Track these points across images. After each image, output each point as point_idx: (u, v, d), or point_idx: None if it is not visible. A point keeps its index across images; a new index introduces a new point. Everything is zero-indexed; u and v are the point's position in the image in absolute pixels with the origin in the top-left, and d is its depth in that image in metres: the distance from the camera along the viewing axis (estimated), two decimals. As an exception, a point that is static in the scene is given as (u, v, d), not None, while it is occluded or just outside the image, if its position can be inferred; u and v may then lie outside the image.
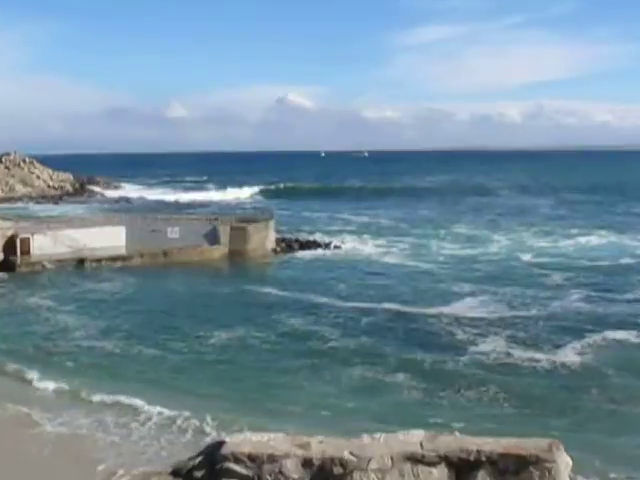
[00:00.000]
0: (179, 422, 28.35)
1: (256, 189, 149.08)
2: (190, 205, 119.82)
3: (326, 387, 33.03)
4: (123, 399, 31.06)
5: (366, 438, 8.37)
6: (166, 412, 29.53)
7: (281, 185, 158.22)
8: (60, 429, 27.99)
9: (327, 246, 76.82)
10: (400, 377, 33.92)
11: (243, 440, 8.34)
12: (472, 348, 38.43)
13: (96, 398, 31.45)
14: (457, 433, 8.48)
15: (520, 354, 37.15)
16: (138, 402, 30.64)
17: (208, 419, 28.19)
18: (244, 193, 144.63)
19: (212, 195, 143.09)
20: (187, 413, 29.13)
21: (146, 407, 30.11)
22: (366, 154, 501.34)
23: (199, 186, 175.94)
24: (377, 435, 8.40)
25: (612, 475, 21.74)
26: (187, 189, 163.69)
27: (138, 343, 40.82)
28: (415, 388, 32.52)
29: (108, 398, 31.29)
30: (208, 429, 27.47)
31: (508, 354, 37.28)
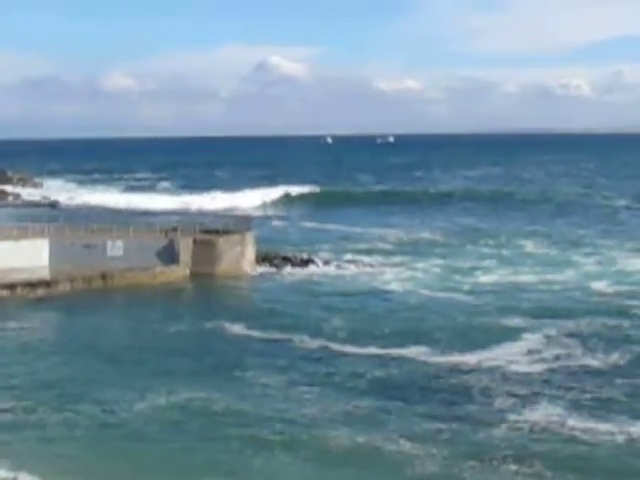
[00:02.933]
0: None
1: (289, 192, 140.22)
2: (149, 213, 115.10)
3: (306, 466, 32.51)
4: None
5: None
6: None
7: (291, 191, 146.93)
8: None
9: (326, 265, 77.03)
10: (407, 446, 33.58)
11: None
12: (512, 415, 37.58)
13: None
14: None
15: (579, 423, 36.24)
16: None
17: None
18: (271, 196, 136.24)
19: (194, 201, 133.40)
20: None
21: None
22: (391, 139, 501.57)
23: (151, 184, 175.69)
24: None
25: None
26: (134, 189, 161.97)
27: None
28: (426, 460, 32.10)
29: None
30: None
31: (562, 423, 36.32)
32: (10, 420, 38.57)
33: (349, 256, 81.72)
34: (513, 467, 31.22)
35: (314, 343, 50.95)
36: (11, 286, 66.04)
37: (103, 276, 68.76)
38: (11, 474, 31.28)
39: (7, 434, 36.42)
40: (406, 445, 33.59)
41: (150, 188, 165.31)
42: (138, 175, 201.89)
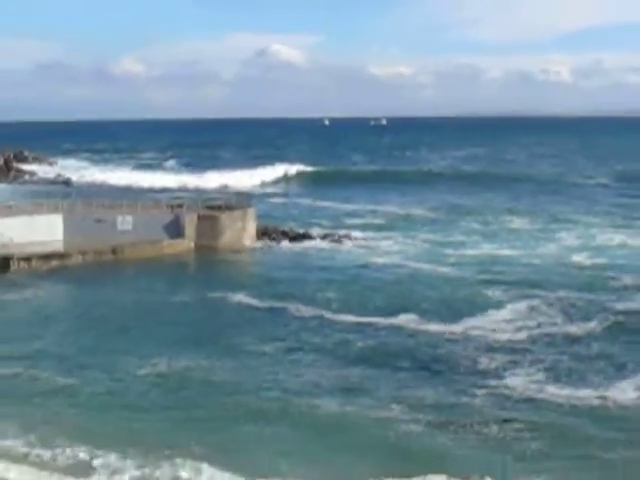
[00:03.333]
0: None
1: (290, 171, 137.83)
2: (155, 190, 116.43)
3: (300, 424, 32.68)
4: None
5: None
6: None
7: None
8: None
9: (321, 239, 76.91)
10: (396, 409, 33.74)
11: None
12: (493, 380, 37.67)
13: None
14: (488, 478, 8.57)
15: (557, 389, 36.32)
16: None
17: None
18: (273, 175, 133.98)
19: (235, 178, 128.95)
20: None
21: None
22: (384, 121, 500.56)
23: (157, 163, 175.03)
24: (385, 482, 8.49)
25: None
26: (142, 167, 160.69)
27: (80, 365, 40.34)
28: (411, 424, 32.22)
29: None
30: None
31: (540, 389, 36.39)
32: (19, 384, 38.65)
33: (343, 231, 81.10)
34: (494, 431, 31.30)
35: (309, 312, 50.72)
36: (27, 258, 65.97)
37: (113, 249, 68.74)
38: (20, 440, 31.12)
39: (16, 398, 36.32)
40: (394, 410, 33.67)
41: (157, 167, 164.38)
42: (146, 155, 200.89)
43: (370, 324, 47.76)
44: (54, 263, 66.22)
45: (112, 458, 29.37)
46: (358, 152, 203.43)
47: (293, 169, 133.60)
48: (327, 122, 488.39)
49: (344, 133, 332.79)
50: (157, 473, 27.83)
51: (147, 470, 28.20)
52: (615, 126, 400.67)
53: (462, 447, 30.18)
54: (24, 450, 30.44)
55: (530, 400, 35.27)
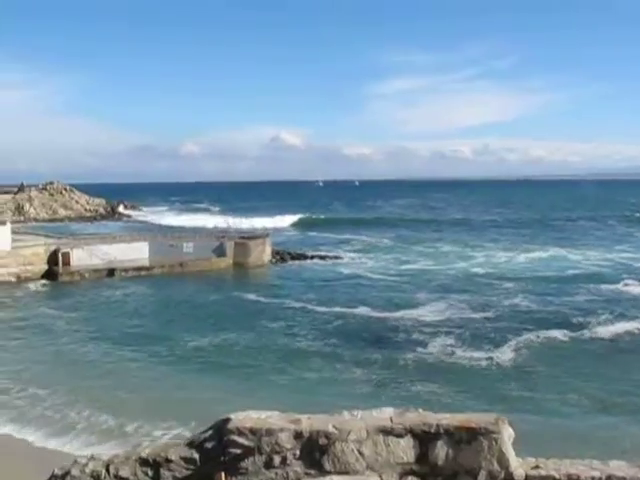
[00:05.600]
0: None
1: (293, 219, 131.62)
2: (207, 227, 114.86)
3: (295, 379, 32.41)
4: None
5: (346, 414, 8.42)
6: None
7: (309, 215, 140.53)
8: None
9: (315, 259, 76.82)
10: (357, 371, 33.41)
11: (245, 417, 8.38)
12: (420, 348, 37.43)
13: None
14: (420, 410, 8.53)
15: (462, 352, 36.40)
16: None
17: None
18: (286, 222, 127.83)
19: (260, 222, 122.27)
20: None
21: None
22: (357, 183, 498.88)
23: (206, 208, 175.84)
24: (355, 412, 8.46)
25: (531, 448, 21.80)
26: (198, 211, 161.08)
27: (147, 342, 40.15)
28: (368, 380, 32.09)
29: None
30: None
31: (451, 352, 36.47)
32: (106, 347, 39.10)
33: (329, 253, 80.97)
34: (418, 386, 30.98)
35: (298, 304, 50.58)
36: (125, 270, 66.00)
37: (180, 264, 68.43)
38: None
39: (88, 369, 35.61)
40: (356, 371, 33.48)
41: (207, 212, 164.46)
42: (201, 205, 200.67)
43: (339, 312, 47.54)
44: (142, 273, 66.15)
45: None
46: (340, 203, 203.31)
47: (297, 216, 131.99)
48: (321, 184, 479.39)
49: (332, 191, 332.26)
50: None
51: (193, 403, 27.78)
52: (499, 186, 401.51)
53: (403, 390, 30.27)
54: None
55: (443, 360, 35.36)
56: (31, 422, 26.73)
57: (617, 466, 8.09)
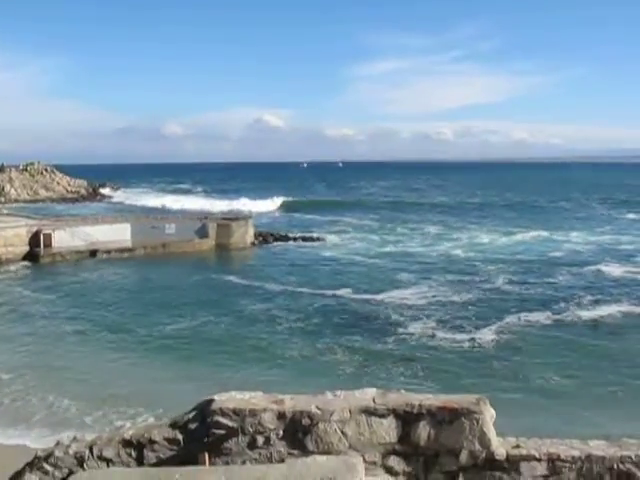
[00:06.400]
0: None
1: (278, 202, 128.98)
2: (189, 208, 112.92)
3: (277, 361, 32.33)
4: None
5: (329, 395, 8.46)
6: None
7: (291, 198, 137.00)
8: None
9: (298, 240, 76.72)
10: (339, 353, 33.45)
11: (229, 398, 8.39)
12: (402, 329, 37.47)
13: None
14: (403, 390, 8.60)
15: (443, 334, 36.40)
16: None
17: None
18: (270, 205, 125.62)
19: (243, 204, 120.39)
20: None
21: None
22: (340, 164, 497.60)
23: (189, 190, 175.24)
24: (338, 392, 8.50)
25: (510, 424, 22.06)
26: (180, 192, 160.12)
27: (126, 325, 40.03)
28: (350, 361, 32.12)
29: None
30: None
31: (433, 334, 36.42)
32: (83, 330, 38.92)
33: (312, 235, 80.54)
34: (400, 367, 31.03)
35: (279, 287, 50.43)
36: (108, 251, 65.77)
37: (163, 245, 68.33)
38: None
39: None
40: (338, 352, 33.50)
41: (190, 193, 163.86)
42: (183, 186, 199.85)
43: (321, 294, 47.44)
44: (125, 254, 65.95)
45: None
46: (323, 185, 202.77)
47: (280, 199, 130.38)
48: (306, 165, 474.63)
49: (317, 172, 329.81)
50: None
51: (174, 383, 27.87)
52: (482, 169, 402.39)
53: (385, 371, 30.33)
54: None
55: (425, 341, 35.41)
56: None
57: (597, 445, 8.21)
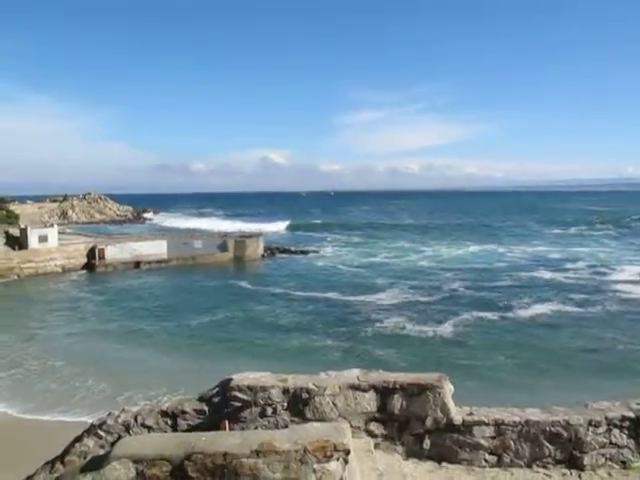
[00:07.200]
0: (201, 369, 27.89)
1: (285, 224, 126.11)
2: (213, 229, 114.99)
3: (280, 348, 32.16)
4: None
5: (322, 375, 8.45)
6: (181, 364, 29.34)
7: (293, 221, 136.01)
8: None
9: (298, 253, 76.34)
10: (329, 342, 33.28)
11: (244, 377, 8.40)
12: (379, 323, 37.23)
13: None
14: (381, 370, 8.59)
15: (412, 327, 36.20)
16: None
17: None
18: (279, 226, 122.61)
19: (260, 226, 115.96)
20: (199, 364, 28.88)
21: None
22: (332, 193, 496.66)
23: (211, 214, 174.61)
24: (329, 373, 8.50)
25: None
26: (206, 216, 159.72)
27: (160, 319, 39.90)
28: (338, 348, 31.97)
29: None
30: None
31: (403, 327, 36.27)
32: (124, 325, 38.60)
33: (309, 248, 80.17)
34: (378, 353, 30.88)
35: (281, 290, 50.02)
36: (149, 262, 65.45)
37: (192, 257, 67.90)
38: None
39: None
40: (328, 342, 33.32)
41: (212, 215, 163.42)
42: (207, 210, 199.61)
43: (314, 297, 47.07)
44: (162, 265, 65.56)
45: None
46: (318, 210, 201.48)
47: (284, 223, 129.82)
48: (304, 194, 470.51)
49: (313, 200, 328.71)
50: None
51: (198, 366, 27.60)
52: (441, 196, 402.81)
53: (366, 356, 30.13)
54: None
55: (397, 333, 35.27)
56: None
57: (532, 412, 8.23)
